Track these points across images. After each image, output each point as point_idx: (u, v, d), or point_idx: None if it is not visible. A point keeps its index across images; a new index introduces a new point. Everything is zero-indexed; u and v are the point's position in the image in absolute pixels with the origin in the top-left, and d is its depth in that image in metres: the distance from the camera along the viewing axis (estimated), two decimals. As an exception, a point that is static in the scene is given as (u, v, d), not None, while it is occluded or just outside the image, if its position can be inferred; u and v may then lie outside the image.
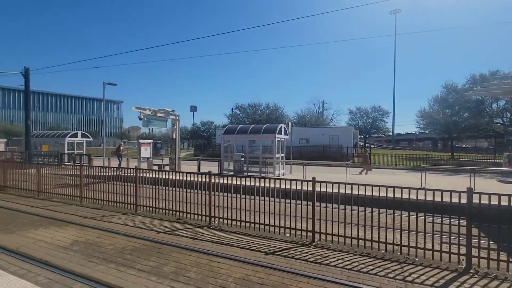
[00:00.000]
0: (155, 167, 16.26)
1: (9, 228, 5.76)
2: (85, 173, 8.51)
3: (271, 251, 4.69)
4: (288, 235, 5.54)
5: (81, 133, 21.58)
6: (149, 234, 5.50)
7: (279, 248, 4.84)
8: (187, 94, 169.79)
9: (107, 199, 7.97)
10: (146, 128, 13.56)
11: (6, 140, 28.37)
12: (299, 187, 5.54)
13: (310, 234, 5.28)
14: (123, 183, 7.75)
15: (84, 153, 21.20)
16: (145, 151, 17.63)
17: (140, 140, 17.33)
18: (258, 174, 12.86)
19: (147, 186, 7.44)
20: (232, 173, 13.10)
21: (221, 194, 6.48)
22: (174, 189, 6.90)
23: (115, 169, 8.34)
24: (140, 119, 12.66)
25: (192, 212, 6.62)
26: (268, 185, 5.99)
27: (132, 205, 7.47)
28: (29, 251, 4.55)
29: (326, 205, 5.36)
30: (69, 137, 20.59)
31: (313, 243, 5.10)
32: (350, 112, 54.60)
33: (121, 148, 18.95)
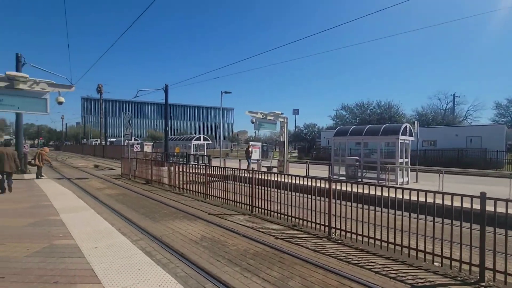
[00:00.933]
0: (264, 169, 16.86)
1: (155, 217, 6.79)
2: (208, 172, 9.41)
3: (420, 285, 3.61)
4: (437, 264, 4.24)
5: (203, 136, 24.92)
6: (267, 239, 5.33)
7: (430, 282, 3.69)
8: (289, 98, 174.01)
9: (226, 197, 8.49)
10: (256, 131, 14.07)
11: (152, 143, 35.97)
12: (446, 202, 4.18)
13: (476, 269, 3.84)
14: (241, 184, 8.07)
15: (205, 154, 24.36)
16: (255, 153, 18.63)
17: (251, 143, 18.40)
18: (376, 181, 11.23)
19: (262, 187, 7.47)
20: (343, 178, 11.97)
21: (338, 201, 5.72)
22: (290, 192, 6.60)
23: (232, 169, 8.84)
24: (252, 122, 13.29)
25: (309, 219, 6.11)
26: (393, 195, 4.81)
27: (248, 206, 7.65)
28: (169, 241, 5.09)
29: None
30: (194, 140, 24.12)
31: (482, 284, 3.66)
32: (497, 106, 42.43)
33: (250, 149, 17.96)
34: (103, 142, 41.29)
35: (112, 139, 50.71)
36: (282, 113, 14.30)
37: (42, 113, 7.85)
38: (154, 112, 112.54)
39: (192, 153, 23.83)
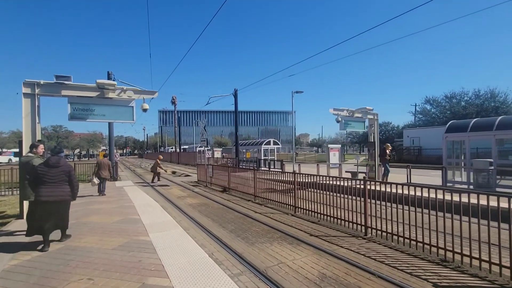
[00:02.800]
0: (347, 175, 14.70)
1: (248, 238, 5.66)
2: (297, 180, 8.01)
3: None
4: None
5: (273, 141, 23.91)
6: (422, 285, 3.57)
7: None
8: (358, 94, 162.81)
9: (324, 212, 6.93)
10: (342, 131, 12.02)
11: (221, 149, 36.84)
12: None
13: None
14: (344, 196, 6.42)
15: (275, 158, 23.25)
16: (334, 157, 16.55)
17: (329, 146, 16.45)
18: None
19: (377, 202, 5.70)
20: (465, 187, 9.14)
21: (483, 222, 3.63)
22: (417, 209, 4.66)
23: (331, 178, 7.22)
24: (338, 121, 11.47)
25: (469, 255, 4.09)
26: None
27: (360, 226, 5.93)
28: (280, 280, 3.78)
29: None
30: (264, 145, 23.28)
31: None
32: None
33: (388, 152, 12.18)
34: (177, 150, 44.36)
35: (185, 146, 54.42)
36: (372, 109, 12.07)
37: (129, 121, 7.71)
38: (219, 120, 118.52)
39: (262, 158, 23.01)
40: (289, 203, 8.21)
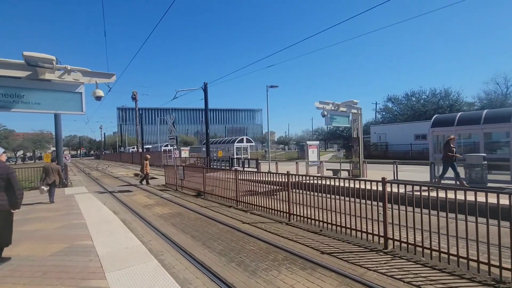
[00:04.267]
0: (329, 173, 14.02)
1: (245, 263, 4.31)
2: (291, 181, 6.84)
3: None
4: None
5: (246, 138, 22.62)
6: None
7: None
8: (323, 90, 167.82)
9: (327, 220, 5.84)
10: (327, 125, 11.04)
11: (189, 148, 34.56)
12: None
13: None
14: (354, 200, 5.38)
15: (249, 157, 22.01)
16: (313, 154, 15.83)
17: (308, 142, 15.65)
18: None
19: (398, 206, 4.74)
20: (459, 182, 8.79)
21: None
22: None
23: (325, 178, 6.14)
24: (323, 115, 10.55)
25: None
26: None
27: (378, 237, 4.93)
28: None
29: None
30: (236, 142, 21.89)
31: None
32: None
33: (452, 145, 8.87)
34: (140, 149, 40.88)
35: (148, 146, 50.66)
36: (357, 102, 11.39)
37: (77, 113, 5.81)
38: (184, 118, 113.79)
39: (235, 156, 21.61)
40: (282, 210, 7.02)
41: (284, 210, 6.92)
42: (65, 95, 5.63)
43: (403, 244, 4.59)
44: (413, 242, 4.47)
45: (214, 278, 3.81)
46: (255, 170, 15.49)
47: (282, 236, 5.53)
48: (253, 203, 8.09)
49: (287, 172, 6.93)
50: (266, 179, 7.73)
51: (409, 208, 4.80)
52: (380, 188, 4.91)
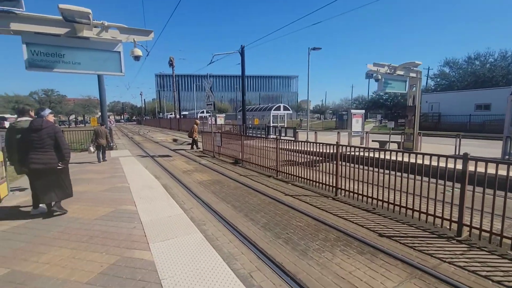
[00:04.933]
0: (374, 144, 12.89)
1: (293, 240, 3.92)
2: (340, 152, 6.15)
3: None
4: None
5: (283, 106, 21.73)
6: None
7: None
8: (368, 53, 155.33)
9: (381, 198, 5.17)
10: (379, 92, 9.72)
11: (224, 115, 34.62)
12: None
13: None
14: (420, 178, 4.59)
15: (285, 125, 21.30)
16: (357, 124, 14.63)
17: (352, 111, 14.41)
18: None
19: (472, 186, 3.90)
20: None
21: None
22: None
23: (385, 151, 5.34)
24: (377, 80, 9.31)
25: None
26: None
27: (451, 222, 4.19)
28: None
29: None
30: (273, 110, 21.15)
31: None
32: None
33: None
34: (177, 116, 42.09)
35: (184, 112, 52.03)
36: (420, 64, 9.82)
37: (116, 73, 5.56)
38: (218, 85, 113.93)
39: (271, 124, 21.03)
40: (327, 183, 6.45)
41: (331, 184, 6.35)
42: (104, 54, 5.35)
43: (481, 233, 3.83)
44: (499, 233, 3.68)
45: (261, 256, 3.48)
46: (293, 139, 14.88)
47: (330, 213, 5.03)
48: (294, 174, 7.62)
49: (337, 142, 6.22)
50: (307, 149, 7.11)
51: (487, 191, 3.93)
52: (458, 166, 4.05)
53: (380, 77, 9.27)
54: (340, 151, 6.20)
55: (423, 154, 4.59)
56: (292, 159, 8.05)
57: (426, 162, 4.51)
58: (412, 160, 4.72)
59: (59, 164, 4.19)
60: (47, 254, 3.15)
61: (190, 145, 15.94)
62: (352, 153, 5.96)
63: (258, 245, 3.76)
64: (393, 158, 5.06)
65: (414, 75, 10.18)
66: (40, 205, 4.50)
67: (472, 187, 3.91)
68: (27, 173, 4.24)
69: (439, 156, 4.39)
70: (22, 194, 5.57)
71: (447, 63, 35.92)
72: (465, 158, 3.98)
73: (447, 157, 4.29)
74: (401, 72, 9.82)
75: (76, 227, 3.85)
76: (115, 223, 4.02)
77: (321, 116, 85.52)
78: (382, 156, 5.33)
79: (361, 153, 5.85)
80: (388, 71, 9.52)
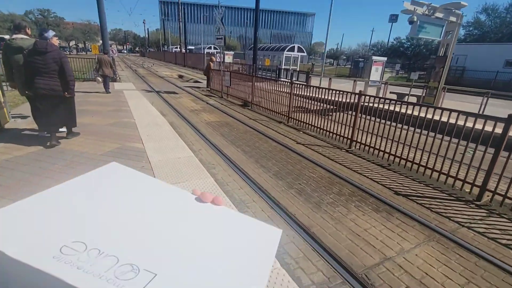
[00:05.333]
0: (392, 97, 12.17)
1: (306, 191, 3.78)
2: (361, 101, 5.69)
3: None
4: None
5: (297, 47, 20.10)
6: None
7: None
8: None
9: (398, 154, 4.90)
10: (414, 36, 8.53)
11: (233, 52, 32.55)
12: None
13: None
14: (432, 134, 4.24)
15: (297, 69, 20.06)
16: (376, 73, 13.59)
17: (374, 58, 13.24)
18: None
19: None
20: None
21: None
22: None
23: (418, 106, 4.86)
24: (411, 22, 8.18)
25: None
26: None
27: (473, 186, 3.97)
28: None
29: None
30: (286, 51, 19.64)
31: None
32: None
33: None
34: (183, 50, 39.75)
35: (190, 47, 49.06)
36: (465, 6, 8.50)
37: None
38: (226, 19, 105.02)
39: (283, 67, 19.79)
40: (342, 134, 6.13)
41: (345, 136, 6.04)
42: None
43: (504, 200, 3.65)
44: (524, 201, 3.49)
45: (274, 205, 3.37)
46: (305, 84, 14.05)
47: (344, 165, 4.84)
48: (307, 121, 7.27)
49: (360, 91, 5.69)
50: (324, 96, 6.59)
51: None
52: (497, 129, 3.65)
53: (415, 19, 8.11)
54: (362, 101, 5.72)
55: (458, 112, 4.14)
56: (305, 106, 7.62)
57: (452, 120, 4.11)
58: (436, 117, 4.31)
59: (66, 93, 4.04)
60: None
61: (196, 82, 15.24)
62: (371, 105, 5.51)
63: (270, 194, 3.64)
64: (415, 113, 4.65)
65: (454, 19, 8.91)
66: (45, 133, 4.39)
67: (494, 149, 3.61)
68: (32, 98, 4.08)
69: (477, 116, 3.95)
70: (24, 121, 5.35)
71: (485, 10, 31.79)
72: (510, 120, 3.54)
73: (486, 118, 3.85)
74: (440, 15, 8.56)
75: (81, 161, 3.70)
76: (122, 160, 3.85)
77: (334, 61, 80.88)
78: (401, 110, 4.91)
79: (380, 106, 5.40)
80: (426, 12, 8.29)
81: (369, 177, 4.41)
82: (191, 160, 4.06)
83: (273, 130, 7.01)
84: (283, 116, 8.19)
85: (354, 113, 5.77)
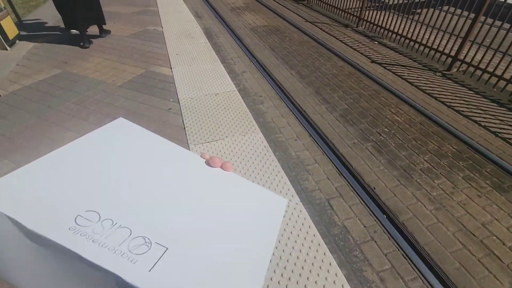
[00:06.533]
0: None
1: (399, 159, 2.71)
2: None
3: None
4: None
5: None
6: None
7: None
8: None
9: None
10: None
11: None
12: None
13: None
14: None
15: None
16: None
17: None
18: None
19: None
20: None
21: None
22: None
23: None
24: None
25: None
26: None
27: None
28: None
29: None
30: None
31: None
32: None
33: None
34: None
35: None
36: None
37: None
38: None
39: None
40: (442, 50, 4.29)
41: (446, 52, 4.22)
42: None
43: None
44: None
45: (343, 170, 2.46)
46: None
47: (443, 103, 3.42)
48: (384, 26, 5.29)
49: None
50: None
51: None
52: None
53: None
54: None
55: None
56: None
57: None
58: None
59: None
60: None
61: None
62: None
63: (339, 150, 2.66)
64: None
65: None
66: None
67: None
68: None
69: None
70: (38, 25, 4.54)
71: None
72: None
73: None
74: None
75: (96, 97, 2.92)
76: (145, 96, 2.99)
77: None
78: None
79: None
80: None
81: (486, 126, 3.05)
82: (234, 97, 3.03)
83: (337, 39, 5.29)
84: (351, 16, 6.13)
85: (470, 13, 3.78)
